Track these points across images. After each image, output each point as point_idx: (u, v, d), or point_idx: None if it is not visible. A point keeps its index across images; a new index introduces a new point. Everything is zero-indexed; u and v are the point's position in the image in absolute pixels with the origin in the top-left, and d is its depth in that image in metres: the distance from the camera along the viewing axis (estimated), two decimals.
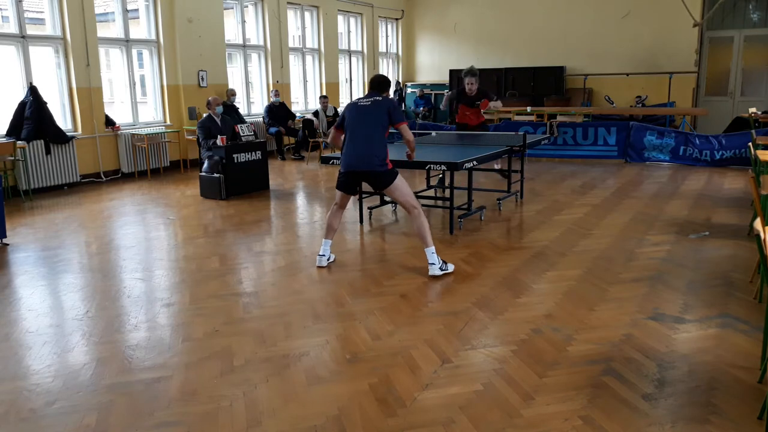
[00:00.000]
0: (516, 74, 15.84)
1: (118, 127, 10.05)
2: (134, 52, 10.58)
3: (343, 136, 5.05)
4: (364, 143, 4.85)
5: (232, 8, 12.55)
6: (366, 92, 5.45)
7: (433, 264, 4.82)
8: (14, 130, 8.70)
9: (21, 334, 3.90)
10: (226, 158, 8.18)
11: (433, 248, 4.86)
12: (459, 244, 5.79)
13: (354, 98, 13.92)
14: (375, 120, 4.86)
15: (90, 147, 9.70)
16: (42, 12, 9.43)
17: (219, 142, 8.21)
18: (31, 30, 9.05)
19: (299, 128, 12.45)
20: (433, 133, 8.75)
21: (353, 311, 4.15)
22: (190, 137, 10.75)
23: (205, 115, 8.70)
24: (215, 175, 8.20)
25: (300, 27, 14.27)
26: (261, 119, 12.49)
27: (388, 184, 4.88)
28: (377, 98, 4.97)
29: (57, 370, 3.37)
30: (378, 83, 5.14)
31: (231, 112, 10.55)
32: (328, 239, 5.17)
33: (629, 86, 14.54)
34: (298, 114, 13.13)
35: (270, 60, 13.03)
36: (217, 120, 8.55)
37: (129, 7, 10.47)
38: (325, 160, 6.54)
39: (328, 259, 5.19)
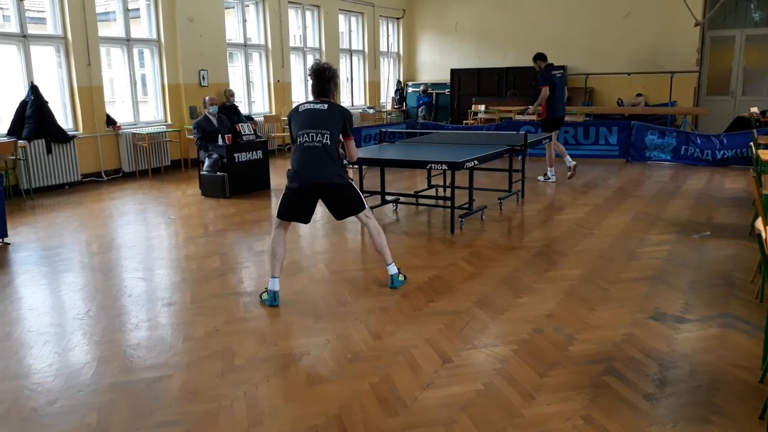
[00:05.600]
0: (517, 73, 15.80)
1: (119, 126, 10.05)
2: (135, 51, 10.58)
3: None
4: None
5: (233, 7, 12.55)
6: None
7: None
8: (15, 129, 8.71)
9: (22, 333, 3.90)
10: (228, 157, 8.17)
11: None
12: (460, 243, 5.79)
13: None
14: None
15: (91, 146, 9.70)
16: (43, 11, 9.43)
17: (220, 141, 8.21)
18: (32, 29, 9.05)
19: None
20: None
21: (354, 311, 4.15)
22: (191, 136, 10.74)
23: (203, 114, 8.71)
24: (218, 173, 8.19)
25: (301, 26, 14.26)
26: (262, 118, 12.49)
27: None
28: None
29: (58, 369, 3.37)
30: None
31: (231, 112, 10.54)
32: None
33: (630, 86, 14.53)
34: None
35: (271, 59, 13.03)
36: (213, 120, 8.54)
37: (130, 7, 10.47)
38: None
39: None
